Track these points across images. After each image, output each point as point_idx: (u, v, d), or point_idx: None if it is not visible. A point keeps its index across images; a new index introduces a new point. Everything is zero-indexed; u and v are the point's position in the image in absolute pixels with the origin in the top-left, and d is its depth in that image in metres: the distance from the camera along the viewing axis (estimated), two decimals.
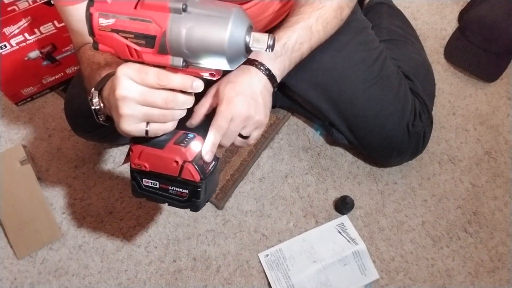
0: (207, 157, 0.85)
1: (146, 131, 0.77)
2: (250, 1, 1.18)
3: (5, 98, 1.75)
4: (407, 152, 1.43)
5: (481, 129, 1.61)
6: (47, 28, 1.58)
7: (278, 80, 1.00)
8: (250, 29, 0.70)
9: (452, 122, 1.62)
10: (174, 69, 0.71)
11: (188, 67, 0.71)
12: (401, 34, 1.63)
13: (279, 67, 0.99)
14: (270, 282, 1.39)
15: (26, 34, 1.55)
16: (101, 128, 0.95)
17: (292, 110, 1.65)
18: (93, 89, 0.85)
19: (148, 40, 0.69)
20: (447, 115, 1.63)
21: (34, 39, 1.58)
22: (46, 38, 1.61)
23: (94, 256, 1.47)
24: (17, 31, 1.52)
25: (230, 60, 0.69)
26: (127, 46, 0.70)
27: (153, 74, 0.71)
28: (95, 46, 0.73)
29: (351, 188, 1.53)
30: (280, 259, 1.42)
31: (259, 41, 0.70)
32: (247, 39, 0.69)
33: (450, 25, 1.85)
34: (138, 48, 0.70)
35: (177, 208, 1.03)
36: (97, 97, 0.84)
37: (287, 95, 1.51)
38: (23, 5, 1.49)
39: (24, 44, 1.57)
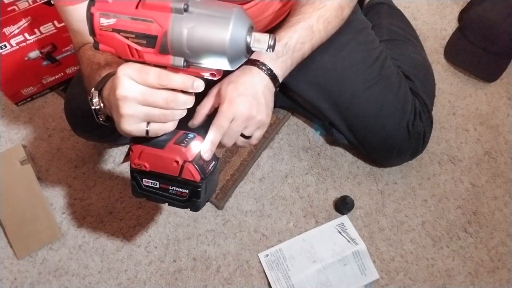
0: (206, 155, 0.85)
1: (147, 131, 0.77)
2: (250, 1, 1.18)
3: (5, 98, 1.75)
4: (407, 152, 1.43)
5: (481, 129, 1.61)
6: (47, 28, 1.58)
7: (280, 80, 1.00)
8: (251, 29, 0.70)
9: (452, 122, 1.62)
10: (175, 69, 0.71)
11: (189, 67, 0.71)
12: (401, 34, 1.63)
13: (281, 67, 1.00)
14: (270, 282, 1.39)
15: (26, 34, 1.55)
16: (101, 128, 0.95)
17: (292, 110, 1.65)
18: (93, 89, 0.85)
19: (149, 40, 0.69)
20: (447, 115, 1.63)
21: (34, 39, 1.58)
22: (46, 38, 1.61)
23: (94, 256, 1.47)
24: (17, 31, 1.52)
25: (231, 60, 0.69)
26: (128, 46, 0.70)
27: (154, 74, 0.71)
28: (96, 46, 0.73)
29: (351, 188, 1.53)
30: (280, 259, 1.42)
31: (260, 41, 0.70)
32: (248, 39, 0.69)
33: (450, 25, 1.85)
34: (139, 48, 0.70)
35: (177, 208, 1.03)
36: (97, 97, 0.84)
37: (287, 95, 1.51)
38: (23, 5, 1.49)
39: (24, 44, 1.57)
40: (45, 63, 1.68)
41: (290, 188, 1.54)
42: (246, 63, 0.78)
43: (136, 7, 0.68)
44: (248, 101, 0.91)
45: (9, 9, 1.48)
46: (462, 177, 1.53)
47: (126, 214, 1.53)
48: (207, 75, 0.75)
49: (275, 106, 1.57)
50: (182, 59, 0.69)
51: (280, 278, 1.39)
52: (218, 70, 0.74)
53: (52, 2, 1.50)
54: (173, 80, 0.72)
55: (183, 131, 0.85)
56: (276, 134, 1.62)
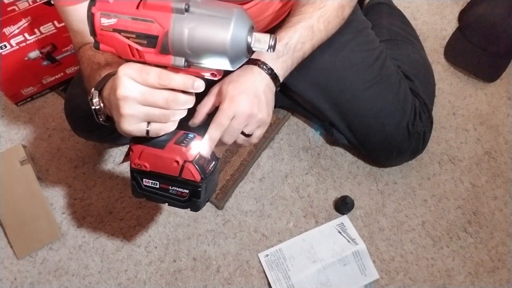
0: (205, 152, 0.85)
1: (147, 131, 0.77)
2: (250, 1, 1.18)
3: (5, 98, 1.75)
4: (407, 152, 1.43)
5: (481, 129, 1.61)
6: (47, 28, 1.58)
7: (281, 80, 1.00)
8: (252, 29, 0.71)
9: (452, 122, 1.62)
10: (175, 69, 0.71)
11: (190, 67, 0.71)
12: (401, 34, 1.63)
13: (282, 66, 1.00)
14: (270, 282, 1.39)
15: (26, 34, 1.55)
16: (101, 128, 0.95)
17: (292, 110, 1.65)
18: (93, 89, 0.85)
19: (150, 40, 0.69)
20: (447, 115, 1.63)
21: (34, 39, 1.58)
22: (46, 38, 1.61)
23: (94, 256, 1.47)
24: (17, 31, 1.52)
25: (232, 60, 0.69)
26: (129, 46, 0.70)
27: (154, 74, 0.71)
28: (97, 46, 0.73)
29: (351, 188, 1.53)
30: (280, 259, 1.42)
31: (260, 42, 0.70)
32: (249, 40, 0.70)
33: (450, 25, 1.85)
34: (139, 48, 0.70)
35: (177, 208, 1.03)
36: (97, 97, 0.84)
37: (287, 95, 1.51)
38: (23, 5, 1.49)
39: (24, 44, 1.57)
40: (45, 63, 1.68)
41: (290, 188, 1.54)
42: (247, 62, 0.78)
43: (137, 7, 0.68)
44: (249, 100, 0.91)
45: (9, 9, 1.48)
46: (462, 177, 1.53)
47: (126, 214, 1.53)
48: (207, 75, 0.75)
49: (275, 106, 1.58)
50: (183, 59, 0.69)
51: (280, 278, 1.39)
52: (218, 70, 0.74)
53: (52, 2, 1.50)
54: (173, 80, 0.72)
55: (183, 131, 0.85)
56: (276, 134, 1.62)
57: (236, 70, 0.84)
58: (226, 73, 0.74)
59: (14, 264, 1.47)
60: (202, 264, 1.44)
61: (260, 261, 1.43)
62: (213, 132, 0.87)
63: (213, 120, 0.89)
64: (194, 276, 1.43)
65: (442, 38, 1.82)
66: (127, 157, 0.88)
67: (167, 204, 0.88)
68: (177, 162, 0.81)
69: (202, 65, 0.71)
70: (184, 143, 0.83)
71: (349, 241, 1.42)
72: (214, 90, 0.96)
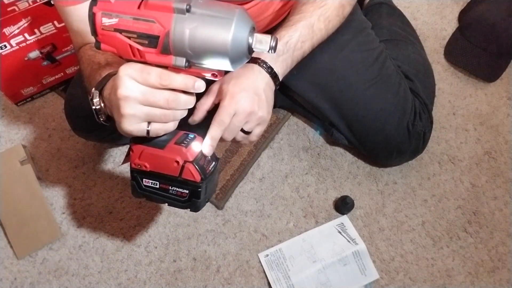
0: (207, 150, 0.85)
1: (148, 131, 0.77)
2: (251, 1, 1.18)
3: (5, 98, 1.75)
4: (407, 152, 1.43)
5: (481, 129, 1.61)
6: (47, 28, 1.58)
7: (280, 78, 1.00)
8: (253, 30, 0.71)
9: (452, 122, 1.62)
10: (176, 69, 0.71)
11: (191, 68, 0.71)
12: (401, 34, 1.63)
13: (281, 65, 1.00)
14: (270, 282, 1.39)
15: (26, 34, 1.55)
16: (101, 128, 0.95)
17: (292, 110, 1.65)
18: (93, 88, 0.85)
19: (151, 40, 0.69)
20: (447, 115, 1.63)
21: (34, 39, 1.58)
22: (46, 38, 1.61)
23: (94, 256, 1.47)
24: (17, 31, 1.52)
25: (233, 61, 0.69)
26: (130, 46, 0.70)
27: (155, 74, 0.71)
28: (98, 46, 0.73)
29: (351, 188, 1.53)
30: (280, 259, 1.42)
31: (261, 42, 0.70)
32: (250, 40, 0.70)
33: (450, 25, 1.85)
34: (141, 48, 0.70)
35: (177, 208, 1.03)
36: (97, 96, 0.84)
37: (287, 95, 1.51)
38: (23, 5, 1.49)
39: (24, 44, 1.57)
40: (45, 63, 1.68)
41: (290, 188, 1.54)
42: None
43: (138, 7, 0.69)
44: (249, 97, 0.91)
45: (9, 9, 1.48)
46: (462, 177, 1.53)
47: (126, 214, 1.53)
48: (208, 76, 0.75)
49: (275, 106, 1.58)
50: (184, 60, 0.69)
51: (280, 278, 1.39)
52: (219, 71, 0.74)
53: (52, 2, 1.50)
54: (174, 80, 0.72)
55: (183, 132, 0.85)
56: (276, 134, 1.62)
57: None
58: (226, 71, 0.74)
59: (14, 264, 1.47)
60: (202, 264, 1.44)
61: (260, 261, 1.43)
62: (215, 130, 0.87)
63: (214, 118, 0.89)
64: (194, 276, 1.43)
65: (442, 38, 1.82)
66: (127, 157, 0.88)
67: (167, 204, 0.88)
68: (177, 162, 0.81)
69: (203, 66, 0.71)
70: (185, 143, 0.83)
71: (349, 241, 1.42)
72: (214, 88, 0.95)
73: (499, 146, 1.57)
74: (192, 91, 0.74)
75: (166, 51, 0.69)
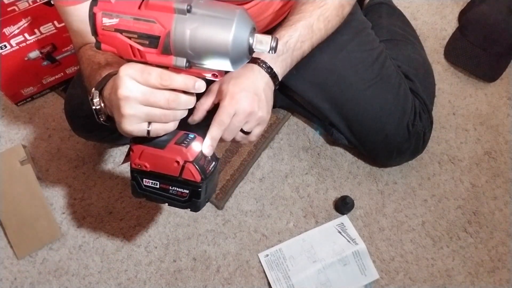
0: (207, 151, 0.85)
1: (148, 131, 0.77)
2: (251, 1, 1.18)
3: (5, 98, 1.75)
4: (407, 152, 1.43)
5: (481, 129, 1.61)
6: (47, 28, 1.58)
7: (280, 78, 1.00)
8: (254, 30, 0.71)
9: (452, 122, 1.62)
10: (176, 69, 0.71)
11: (191, 68, 0.71)
12: (401, 34, 1.63)
13: (281, 65, 1.00)
14: (270, 282, 1.39)
15: (26, 34, 1.55)
16: (101, 128, 0.95)
17: (292, 110, 1.65)
18: (93, 88, 0.85)
19: (152, 41, 0.69)
20: (447, 115, 1.63)
21: (34, 39, 1.58)
22: (46, 38, 1.61)
23: (94, 256, 1.47)
24: (17, 31, 1.52)
25: (233, 62, 0.69)
26: (130, 46, 0.70)
27: (156, 74, 0.71)
28: (98, 46, 0.73)
29: (351, 188, 1.53)
30: (280, 259, 1.42)
31: (262, 43, 0.70)
32: (251, 41, 0.70)
33: (450, 25, 1.85)
34: (141, 48, 0.70)
35: (177, 208, 1.03)
36: (97, 97, 0.84)
37: (287, 95, 1.51)
38: (23, 5, 1.49)
39: (24, 44, 1.57)
40: (45, 63, 1.68)
41: (290, 188, 1.54)
42: None
43: (139, 7, 0.69)
44: (249, 97, 0.91)
45: (9, 9, 1.48)
46: (462, 177, 1.53)
47: (126, 214, 1.53)
48: (209, 76, 0.75)
49: (275, 106, 1.59)
50: (185, 60, 0.69)
51: (280, 278, 1.39)
52: (220, 71, 0.74)
53: (52, 2, 1.50)
54: (175, 81, 0.72)
55: (183, 132, 0.85)
56: (276, 134, 1.62)
57: None
58: (227, 71, 0.74)
59: (14, 264, 1.47)
60: (202, 264, 1.44)
61: (260, 261, 1.43)
62: (215, 131, 0.87)
63: (214, 119, 0.89)
64: (194, 276, 1.43)
65: (442, 38, 1.82)
66: (127, 157, 0.88)
67: (167, 204, 0.88)
68: (178, 162, 0.81)
69: (204, 66, 0.71)
70: (185, 143, 0.83)
71: (349, 241, 1.42)
72: (214, 87, 0.95)
73: (499, 146, 1.57)
74: (192, 91, 0.74)
75: (166, 51, 0.69)
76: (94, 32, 0.72)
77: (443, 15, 1.88)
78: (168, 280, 1.43)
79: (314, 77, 1.33)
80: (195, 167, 0.81)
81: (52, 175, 1.61)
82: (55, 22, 1.58)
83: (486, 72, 1.69)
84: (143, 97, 0.72)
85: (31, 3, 1.49)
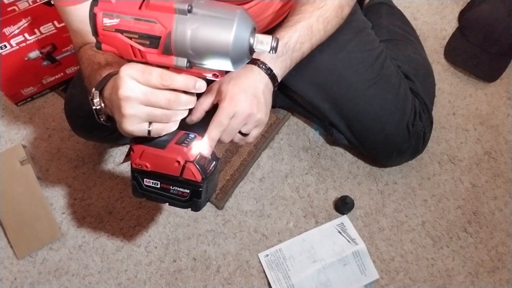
0: (206, 151, 0.85)
1: (149, 131, 0.77)
2: (251, 1, 1.18)
3: (5, 98, 1.75)
4: (407, 152, 1.43)
5: (481, 129, 1.61)
6: (47, 28, 1.58)
7: (279, 80, 1.00)
8: (254, 30, 0.71)
9: (452, 122, 1.62)
10: (177, 69, 0.72)
11: (192, 68, 0.71)
12: (401, 34, 1.63)
13: (281, 66, 1.00)
14: (270, 282, 1.39)
15: (26, 34, 1.55)
16: (101, 128, 0.95)
17: (292, 110, 1.65)
18: (94, 88, 0.85)
19: (153, 41, 0.69)
20: (447, 115, 1.64)
21: (34, 39, 1.58)
22: (46, 38, 1.61)
23: (94, 256, 1.47)
24: (17, 31, 1.52)
25: (234, 62, 0.70)
26: (131, 46, 0.70)
27: (156, 74, 0.71)
28: (98, 46, 0.73)
29: (351, 188, 1.53)
30: (280, 259, 1.42)
31: (262, 43, 0.70)
32: (251, 41, 0.70)
33: (450, 25, 1.85)
34: (142, 48, 0.70)
35: (177, 208, 1.03)
36: (98, 97, 0.84)
37: (287, 95, 1.51)
38: (23, 5, 1.49)
39: (24, 44, 1.57)
40: (45, 63, 1.67)
41: (290, 188, 1.54)
42: None
43: (140, 8, 0.69)
44: (249, 99, 0.91)
45: (9, 9, 1.47)
46: (462, 177, 1.53)
47: (126, 214, 1.53)
48: (209, 76, 0.75)
49: (274, 106, 1.59)
50: (185, 60, 0.69)
51: (280, 278, 1.39)
52: (220, 71, 0.74)
53: (52, 2, 1.50)
54: (175, 81, 0.72)
55: (184, 131, 0.85)
56: (276, 134, 1.62)
57: None
58: (227, 71, 0.75)
59: (14, 264, 1.47)
60: (202, 264, 1.44)
61: (260, 261, 1.43)
62: (213, 131, 0.87)
63: (213, 119, 0.89)
64: (194, 276, 1.43)
65: (442, 38, 1.82)
66: (127, 157, 0.88)
67: (167, 204, 0.88)
68: (178, 162, 0.81)
69: (204, 66, 0.71)
70: (185, 143, 0.83)
71: (349, 241, 1.42)
72: (213, 87, 0.95)
73: (499, 146, 1.58)
74: (193, 91, 0.74)
75: (167, 51, 0.69)
76: (95, 32, 0.72)
77: (443, 15, 1.88)
78: (168, 280, 1.43)
79: (314, 77, 1.33)
80: (196, 167, 0.82)
81: (52, 175, 1.61)
82: (55, 22, 1.58)
83: (486, 72, 1.69)
84: (144, 97, 0.72)
85: (31, 3, 1.49)
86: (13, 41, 1.53)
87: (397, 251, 1.43)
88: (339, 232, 1.45)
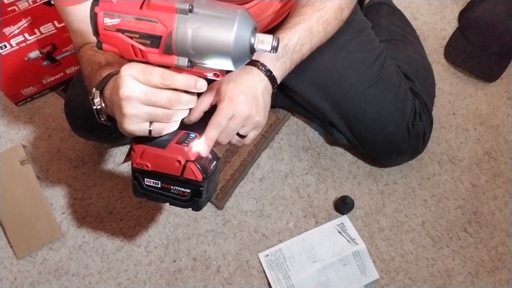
0: (204, 151, 0.84)
1: (149, 131, 0.77)
2: (251, 1, 1.18)
3: (5, 98, 1.75)
4: (407, 152, 1.43)
5: (481, 129, 1.61)
6: (47, 28, 1.58)
7: (278, 82, 1.00)
8: (255, 30, 0.71)
9: (452, 122, 1.62)
10: (178, 69, 0.72)
11: (193, 67, 0.71)
12: (401, 34, 1.63)
13: (280, 68, 1.00)
14: (270, 282, 1.39)
15: (26, 34, 1.55)
16: (101, 128, 0.95)
17: (292, 110, 1.65)
18: (94, 88, 0.85)
19: (154, 40, 0.69)
20: (447, 115, 1.64)
21: (34, 39, 1.58)
22: (46, 38, 1.61)
23: (94, 256, 1.47)
24: (17, 31, 1.52)
25: (235, 61, 0.70)
26: (132, 46, 0.70)
27: (157, 74, 0.71)
28: (99, 46, 0.73)
29: (351, 188, 1.53)
30: (280, 259, 1.42)
31: (263, 42, 0.70)
32: (252, 40, 0.70)
33: (450, 25, 1.85)
34: (143, 48, 0.70)
35: (177, 208, 1.03)
36: (98, 96, 0.84)
37: (287, 95, 1.51)
38: (23, 5, 1.49)
39: (24, 44, 1.57)
40: (45, 63, 1.67)
41: (290, 188, 1.54)
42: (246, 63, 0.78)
43: (141, 7, 0.69)
44: (248, 101, 0.91)
45: (9, 9, 1.47)
46: (462, 177, 1.53)
47: (126, 214, 1.53)
48: (210, 75, 0.75)
49: (274, 106, 1.60)
50: (186, 60, 0.69)
51: (280, 278, 1.39)
52: (221, 71, 0.75)
53: (52, 2, 1.50)
54: (176, 80, 0.72)
55: (184, 131, 0.85)
56: (276, 134, 1.62)
57: None
58: (228, 71, 0.75)
59: (14, 264, 1.47)
60: (202, 264, 1.44)
61: (260, 261, 1.43)
62: (211, 132, 0.87)
63: (211, 120, 0.88)
64: (194, 276, 1.43)
65: (442, 38, 1.82)
66: (128, 157, 0.88)
67: (168, 203, 0.88)
68: (179, 161, 0.81)
69: (205, 66, 0.72)
70: (186, 142, 0.82)
71: (349, 241, 1.42)
72: (212, 88, 0.95)
73: (499, 146, 1.58)
74: (194, 90, 0.74)
75: (168, 51, 0.69)
76: (96, 32, 0.72)
77: (443, 15, 1.88)
78: (168, 280, 1.43)
79: (314, 77, 1.32)
80: (197, 166, 0.82)
81: (52, 175, 1.61)
82: (55, 22, 1.58)
83: (486, 72, 1.69)
84: (145, 97, 0.72)
85: (31, 3, 1.49)
86: (13, 41, 1.53)
87: (397, 251, 1.43)
88: (339, 232, 1.45)
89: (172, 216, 1.51)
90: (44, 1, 1.50)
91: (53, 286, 1.44)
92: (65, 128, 1.65)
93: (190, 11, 0.67)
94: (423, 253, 1.42)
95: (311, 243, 1.44)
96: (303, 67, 1.09)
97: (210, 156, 0.87)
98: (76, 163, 1.62)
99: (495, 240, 1.43)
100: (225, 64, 0.70)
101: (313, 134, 1.62)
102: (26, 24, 1.52)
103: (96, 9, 0.70)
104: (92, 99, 0.84)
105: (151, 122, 0.76)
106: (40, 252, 1.49)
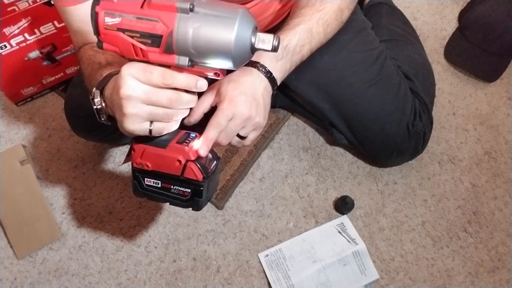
0: (202, 151, 0.84)
1: (150, 131, 0.77)
2: (250, 1, 1.18)
3: (5, 98, 1.75)
4: (407, 152, 1.43)
5: (481, 129, 1.61)
6: (47, 28, 1.58)
7: (278, 83, 1.00)
8: (256, 29, 0.71)
9: (452, 122, 1.62)
10: (179, 68, 0.72)
11: (194, 67, 0.71)
12: (401, 34, 1.63)
13: (280, 69, 0.99)
14: (270, 282, 1.39)
15: (26, 34, 1.55)
16: (101, 128, 0.95)
17: (292, 110, 1.65)
18: (94, 88, 0.85)
19: (154, 40, 0.69)
20: (447, 115, 1.64)
21: (34, 39, 1.58)
22: (46, 38, 1.61)
23: (94, 256, 1.47)
24: (17, 31, 1.52)
25: (236, 60, 0.70)
26: (133, 45, 0.70)
27: (158, 74, 0.71)
28: (100, 45, 0.73)
29: (351, 188, 1.53)
30: (280, 259, 1.42)
31: (264, 42, 0.70)
32: (253, 40, 0.70)
33: (450, 25, 1.85)
34: (143, 47, 0.70)
35: (177, 208, 1.03)
36: (98, 96, 0.84)
37: (287, 95, 1.51)
38: (23, 5, 1.49)
39: (24, 44, 1.57)
40: (45, 63, 1.67)
41: (290, 188, 1.54)
42: (246, 64, 0.78)
43: (141, 7, 0.69)
44: (248, 102, 0.91)
45: (9, 9, 1.47)
46: (462, 177, 1.53)
47: (126, 214, 1.53)
48: (211, 75, 0.75)
49: (274, 106, 1.60)
50: (187, 59, 0.69)
51: (280, 278, 1.39)
52: (222, 70, 0.74)
53: (52, 2, 1.50)
54: (177, 80, 0.72)
55: (185, 131, 0.85)
56: (276, 134, 1.62)
57: (235, 71, 0.83)
58: (229, 70, 0.75)
59: (14, 264, 1.47)
60: (202, 264, 1.44)
61: (260, 261, 1.43)
62: (211, 132, 0.87)
63: (211, 120, 0.88)
64: (194, 276, 1.43)
65: (442, 38, 1.82)
66: (128, 157, 0.88)
67: (168, 203, 0.88)
68: (179, 161, 0.81)
69: (206, 65, 0.72)
70: (186, 142, 0.82)
71: (349, 241, 1.42)
72: (212, 89, 0.95)
73: (499, 146, 1.58)
74: (194, 90, 0.74)
75: (169, 50, 0.69)
76: (96, 31, 0.72)
77: (443, 15, 1.88)
78: (168, 280, 1.43)
79: (314, 77, 1.32)
80: (197, 166, 0.81)
81: (52, 175, 1.61)
82: (55, 22, 1.58)
83: (486, 72, 1.69)
84: (145, 96, 0.72)
85: (31, 3, 1.49)
86: (13, 41, 1.54)
87: (397, 251, 1.43)
88: (339, 232, 1.45)
89: (172, 216, 1.51)
90: (44, 1, 1.50)
91: (53, 286, 1.44)
92: (65, 128, 1.65)
93: (191, 10, 0.67)
94: (423, 253, 1.42)
95: (311, 243, 1.44)
96: (303, 67, 1.09)
97: (211, 156, 0.86)
98: (76, 163, 1.62)
99: (495, 240, 1.43)
100: (226, 63, 0.70)
101: (313, 134, 1.62)
102: (26, 24, 1.52)
103: (97, 9, 0.70)
104: (93, 99, 0.84)
105: (151, 122, 0.76)
106: (40, 252, 1.49)
